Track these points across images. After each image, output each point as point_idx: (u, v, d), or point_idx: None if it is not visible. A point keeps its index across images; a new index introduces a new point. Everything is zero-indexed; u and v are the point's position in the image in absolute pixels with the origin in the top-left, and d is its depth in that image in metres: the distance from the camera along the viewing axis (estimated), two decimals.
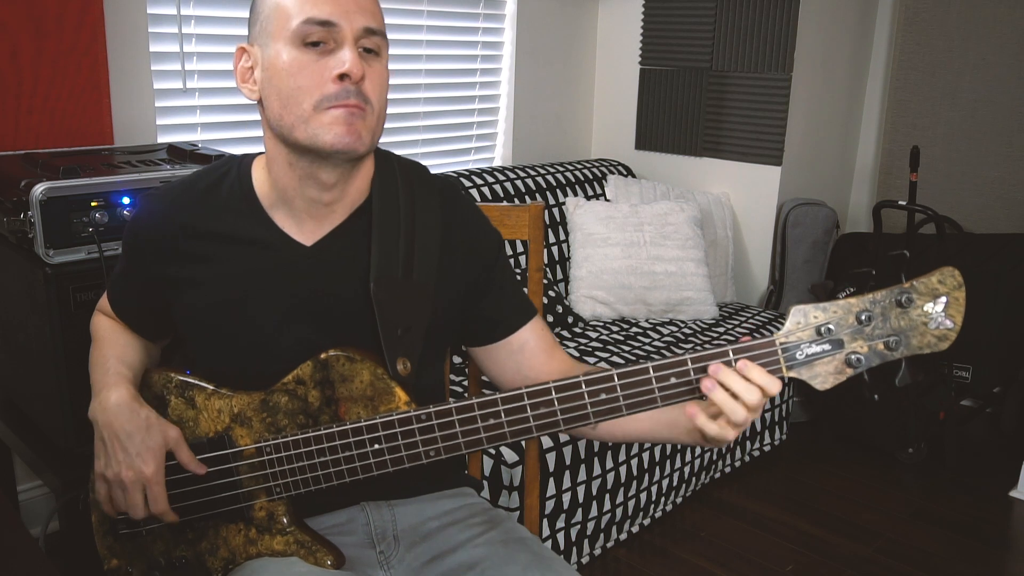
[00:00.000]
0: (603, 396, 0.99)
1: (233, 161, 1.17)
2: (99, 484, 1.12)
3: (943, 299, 0.93)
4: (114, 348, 1.20)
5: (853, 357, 0.94)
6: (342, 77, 1.01)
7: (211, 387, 1.12)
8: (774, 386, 0.95)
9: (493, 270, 1.20)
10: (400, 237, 1.12)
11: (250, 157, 1.17)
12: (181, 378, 1.12)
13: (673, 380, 0.97)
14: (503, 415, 1.02)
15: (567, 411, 1.00)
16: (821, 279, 3.17)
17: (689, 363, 0.97)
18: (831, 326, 0.94)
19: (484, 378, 1.34)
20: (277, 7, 1.03)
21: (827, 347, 0.95)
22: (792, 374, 0.96)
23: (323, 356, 1.08)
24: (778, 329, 0.98)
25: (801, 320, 0.95)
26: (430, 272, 1.13)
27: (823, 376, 0.95)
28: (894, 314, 0.94)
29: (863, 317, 0.93)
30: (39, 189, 1.48)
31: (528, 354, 1.21)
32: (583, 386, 0.99)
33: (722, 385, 0.95)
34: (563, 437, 2.04)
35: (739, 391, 0.95)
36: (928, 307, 0.93)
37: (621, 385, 0.98)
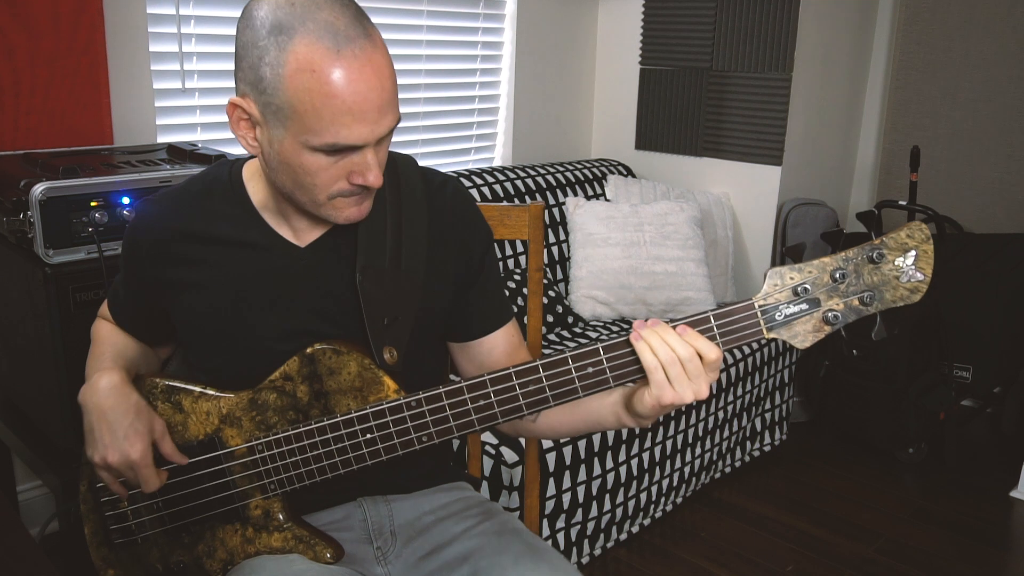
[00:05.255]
0: (589, 370, 1.00)
1: (223, 166, 1.18)
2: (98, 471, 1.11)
3: (913, 252, 0.95)
4: (110, 345, 1.21)
5: (830, 315, 0.97)
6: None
7: (198, 389, 1.11)
8: (711, 352, 0.96)
9: (480, 268, 1.20)
10: (387, 228, 1.12)
11: (240, 162, 1.17)
12: (167, 382, 1.12)
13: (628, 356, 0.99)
14: (492, 396, 1.02)
15: (556, 386, 1.01)
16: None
17: (630, 339, 0.98)
18: (807, 286, 0.96)
19: None
20: (296, 108, 0.95)
21: (804, 306, 0.97)
22: (772, 335, 0.98)
23: (309, 350, 1.08)
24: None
25: (778, 282, 0.97)
26: (418, 262, 1.13)
27: (802, 335, 0.98)
28: (867, 270, 0.96)
29: (837, 275, 0.96)
30: (38, 189, 1.48)
31: (495, 357, 1.22)
32: (569, 362, 1.00)
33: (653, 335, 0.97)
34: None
35: (664, 335, 0.96)
36: (899, 261, 0.96)
37: (607, 359, 0.99)
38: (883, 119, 3.51)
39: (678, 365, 0.95)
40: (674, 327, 0.97)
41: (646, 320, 0.99)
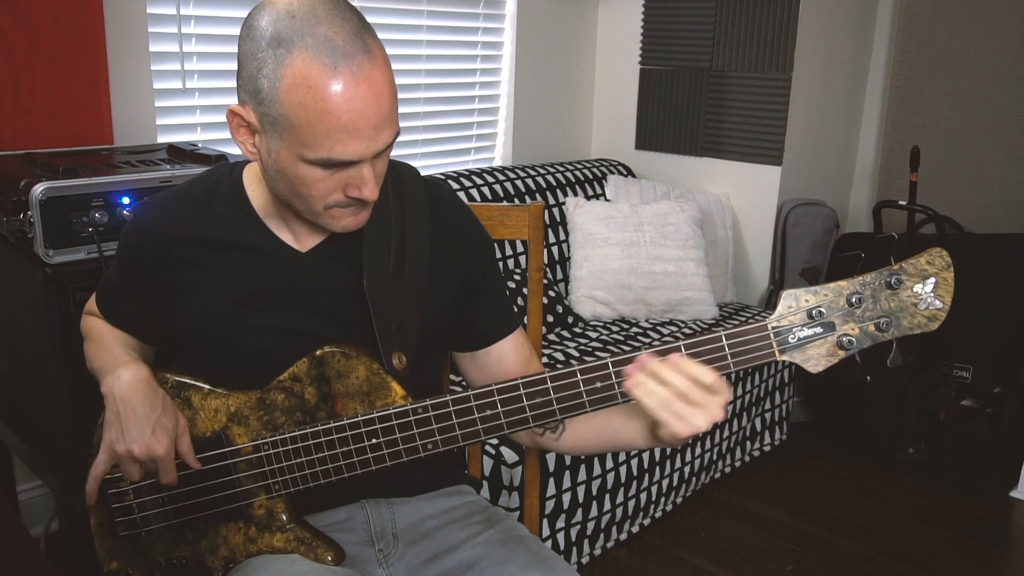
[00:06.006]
0: (597, 384, 1.00)
1: (224, 169, 1.18)
2: (102, 455, 1.11)
3: (932, 280, 0.94)
4: (115, 338, 1.22)
5: (845, 339, 0.95)
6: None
7: (207, 387, 1.12)
8: (706, 376, 0.94)
9: (484, 276, 1.21)
10: (391, 234, 1.13)
11: (240, 165, 1.18)
12: (177, 378, 1.13)
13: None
14: (499, 406, 1.02)
15: (563, 399, 1.01)
16: (821, 279, 3.17)
17: (626, 388, 0.97)
18: (822, 309, 0.95)
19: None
20: (291, 122, 0.95)
21: (819, 330, 0.96)
22: (785, 357, 0.97)
23: (319, 353, 1.08)
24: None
25: (792, 304, 0.96)
26: (421, 267, 1.13)
27: (816, 359, 0.97)
28: (884, 296, 0.95)
29: (854, 299, 0.95)
30: (39, 189, 1.48)
31: (505, 367, 1.22)
32: (578, 375, 1.00)
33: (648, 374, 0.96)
34: None
35: (657, 372, 0.95)
36: (917, 288, 0.94)
37: (616, 373, 0.99)
38: (883, 119, 3.51)
39: (678, 401, 0.94)
40: (676, 345, 0.96)
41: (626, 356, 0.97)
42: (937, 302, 0.94)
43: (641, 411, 1.05)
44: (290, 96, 0.94)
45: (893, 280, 0.94)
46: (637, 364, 0.96)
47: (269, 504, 1.11)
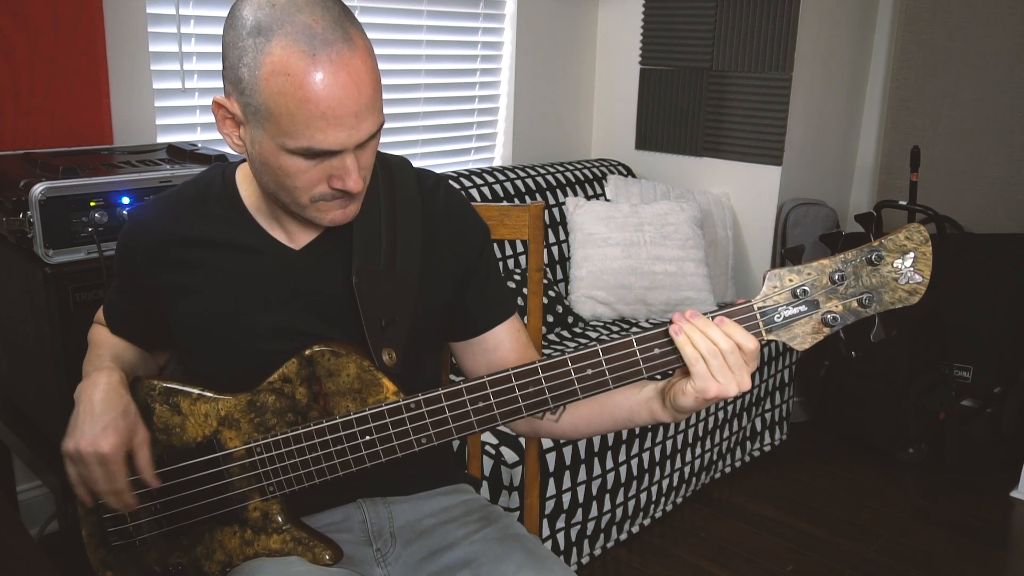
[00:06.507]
0: (589, 372, 1.00)
1: (217, 169, 1.18)
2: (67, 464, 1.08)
3: (911, 254, 0.96)
4: (108, 348, 1.21)
5: (829, 316, 0.97)
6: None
7: (196, 392, 1.11)
8: (749, 342, 0.96)
9: (478, 263, 1.20)
10: (382, 229, 1.12)
11: (233, 166, 1.18)
12: (165, 385, 1.12)
13: (656, 351, 0.99)
14: (491, 397, 1.02)
15: (555, 388, 1.01)
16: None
17: (670, 332, 0.98)
18: (806, 288, 0.97)
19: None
20: (271, 110, 0.95)
21: (803, 308, 0.97)
22: (771, 336, 0.98)
23: (308, 352, 1.08)
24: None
25: (777, 284, 0.97)
26: (414, 263, 1.13)
27: (801, 336, 0.98)
28: (865, 272, 0.96)
29: (836, 277, 0.96)
30: (38, 189, 1.48)
31: (501, 353, 1.22)
32: (569, 363, 1.00)
33: (690, 325, 0.96)
34: None
35: (704, 328, 0.95)
36: (897, 263, 0.96)
37: (606, 360, 0.99)
38: (883, 119, 3.51)
39: (720, 357, 0.95)
40: (712, 318, 0.97)
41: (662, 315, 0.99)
42: (917, 276, 0.96)
43: (646, 383, 1.05)
44: (269, 84, 0.93)
45: (873, 256, 0.96)
46: (688, 314, 0.97)
47: (264, 506, 1.11)
